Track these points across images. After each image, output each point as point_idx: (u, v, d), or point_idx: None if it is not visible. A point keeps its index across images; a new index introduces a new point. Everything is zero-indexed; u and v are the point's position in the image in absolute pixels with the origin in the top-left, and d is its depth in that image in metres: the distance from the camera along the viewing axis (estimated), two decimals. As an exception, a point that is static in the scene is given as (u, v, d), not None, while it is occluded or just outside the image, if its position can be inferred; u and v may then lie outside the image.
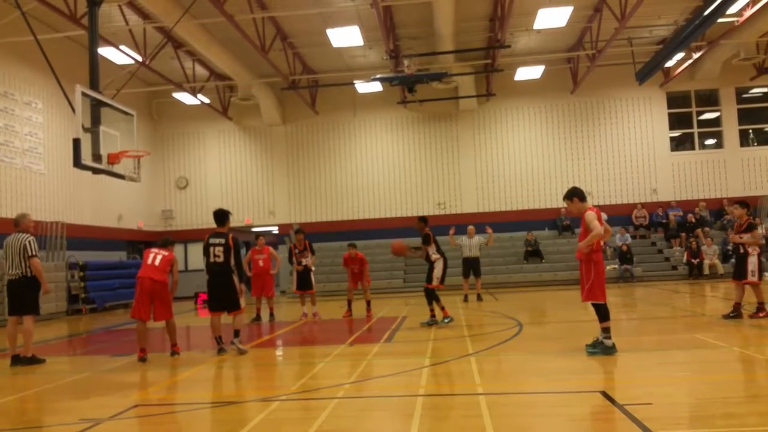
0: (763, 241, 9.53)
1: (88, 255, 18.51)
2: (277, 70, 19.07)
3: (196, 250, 22.55)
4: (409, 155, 23.48)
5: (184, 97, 21.88)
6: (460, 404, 5.20)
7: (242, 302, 8.33)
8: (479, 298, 15.10)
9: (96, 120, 9.26)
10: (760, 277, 9.48)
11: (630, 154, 22.73)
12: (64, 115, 17.46)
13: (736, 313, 9.41)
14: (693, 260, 19.40)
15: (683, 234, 20.85)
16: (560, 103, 22.99)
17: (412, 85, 17.66)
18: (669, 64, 20.33)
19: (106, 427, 4.92)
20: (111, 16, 15.81)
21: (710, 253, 19.46)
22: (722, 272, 18.97)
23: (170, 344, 8.46)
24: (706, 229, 20.63)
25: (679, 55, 19.58)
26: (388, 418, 4.98)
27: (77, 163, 8.82)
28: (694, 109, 23.03)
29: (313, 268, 12.86)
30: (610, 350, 6.84)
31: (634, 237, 21.49)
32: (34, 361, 8.16)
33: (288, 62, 19.54)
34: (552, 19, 17.04)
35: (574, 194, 7.18)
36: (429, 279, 10.40)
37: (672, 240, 21.22)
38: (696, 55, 20.30)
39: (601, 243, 7.14)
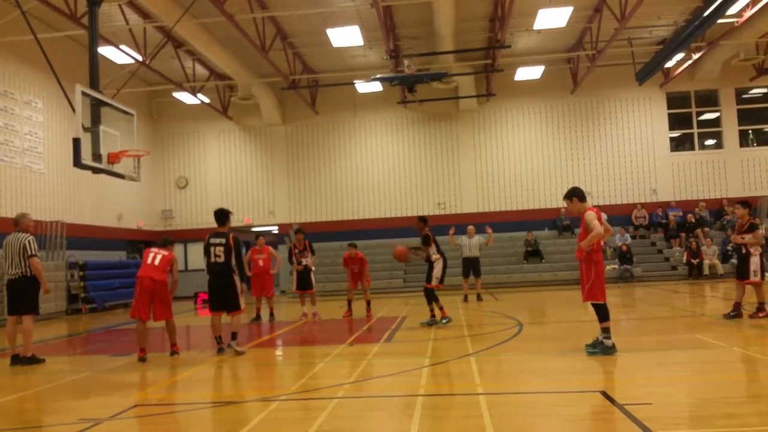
0: (764, 241, 9.51)
1: (88, 255, 18.51)
2: (277, 69, 19.07)
3: (195, 250, 22.56)
4: (409, 155, 23.48)
5: (184, 97, 21.88)
6: (460, 404, 5.20)
7: (242, 303, 8.32)
8: (479, 298, 15.10)
9: (96, 119, 9.26)
10: (763, 277, 9.47)
11: (630, 154, 22.74)
12: (64, 114, 17.46)
13: (736, 313, 9.41)
14: (693, 260, 19.40)
15: (683, 234, 20.86)
16: (560, 104, 23.00)
17: (412, 85, 17.66)
18: (669, 64, 20.34)
19: (105, 427, 4.92)
20: (111, 15, 15.81)
21: (710, 254, 19.46)
22: (722, 272, 18.98)
23: (170, 344, 8.45)
24: (706, 229, 20.63)
25: (679, 56, 19.58)
26: (388, 418, 4.98)
27: (77, 162, 8.82)
28: (693, 110, 23.04)
29: (313, 268, 12.85)
30: (609, 350, 6.84)
31: (633, 237, 21.49)
32: (33, 360, 8.15)
33: (288, 62, 19.54)
34: (552, 19, 17.05)
35: (574, 194, 7.18)
36: (428, 279, 10.39)
37: (672, 240, 21.23)
38: (696, 56, 20.30)
39: (601, 243, 7.14)
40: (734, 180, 22.38)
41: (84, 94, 9.04)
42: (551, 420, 4.60)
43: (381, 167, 23.52)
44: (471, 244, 15.17)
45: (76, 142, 8.75)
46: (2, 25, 14.70)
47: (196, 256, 22.56)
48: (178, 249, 18.39)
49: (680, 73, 21.19)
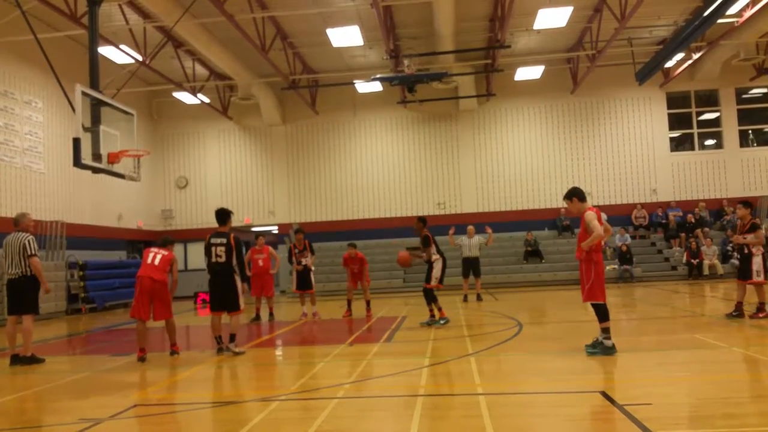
0: (765, 241, 9.50)
1: (88, 254, 18.50)
2: (277, 69, 19.07)
3: (195, 250, 22.56)
4: (409, 155, 23.48)
5: (184, 97, 21.89)
6: (459, 404, 5.20)
7: (242, 303, 8.32)
8: (479, 298, 15.10)
9: (96, 119, 9.26)
10: (766, 277, 9.46)
11: (630, 154, 22.74)
12: (64, 114, 17.46)
13: (738, 312, 9.42)
14: (692, 260, 19.40)
15: (683, 234, 20.86)
16: (560, 104, 23.00)
17: (412, 85, 17.66)
18: (669, 64, 20.34)
19: (105, 426, 4.92)
20: (111, 15, 15.81)
21: (710, 254, 19.46)
22: (722, 272, 18.99)
23: (170, 344, 8.45)
24: (706, 229, 20.63)
25: (679, 56, 19.58)
26: (388, 418, 4.98)
27: (77, 162, 8.81)
28: (693, 110, 23.04)
29: (312, 268, 12.85)
30: (609, 350, 6.84)
31: (633, 237, 21.49)
32: (33, 360, 8.15)
33: (288, 62, 19.54)
34: (552, 19, 17.05)
35: (574, 194, 7.18)
36: (428, 279, 10.39)
37: (672, 240, 21.23)
38: (696, 56, 20.30)
39: (601, 243, 7.14)
40: (734, 180, 22.38)
41: (84, 93, 9.04)
42: (551, 420, 4.60)
43: (381, 167, 23.52)
44: (471, 244, 15.17)
45: (76, 142, 8.75)
46: (2, 25, 14.70)
47: (196, 256, 22.57)
48: (178, 249, 18.36)
49: (680, 73, 21.19)
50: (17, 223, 8.44)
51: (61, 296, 16.78)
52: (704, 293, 15.18)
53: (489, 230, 14.64)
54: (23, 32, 11.93)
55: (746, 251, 9.54)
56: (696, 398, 5.06)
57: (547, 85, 22.43)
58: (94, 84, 9.61)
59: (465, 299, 14.96)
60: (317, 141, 23.84)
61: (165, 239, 8.86)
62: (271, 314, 12.90)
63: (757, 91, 22.91)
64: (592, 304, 7.03)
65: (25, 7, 10.88)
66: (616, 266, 19.77)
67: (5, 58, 15.94)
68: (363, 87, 22.08)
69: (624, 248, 19.77)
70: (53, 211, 17.51)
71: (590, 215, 6.95)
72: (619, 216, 21.75)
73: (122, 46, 16.79)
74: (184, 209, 24.17)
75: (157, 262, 8.27)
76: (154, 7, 14.47)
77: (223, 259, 8.17)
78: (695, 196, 22.33)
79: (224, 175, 24.13)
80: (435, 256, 10.34)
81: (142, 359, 7.95)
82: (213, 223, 8.51)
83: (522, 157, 23.05)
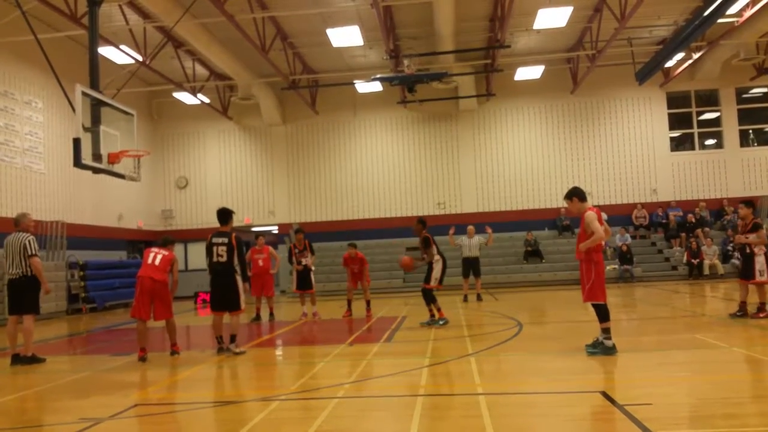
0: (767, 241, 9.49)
1: (88, 254, 18.51)
2: (278, 69, 19.08)
3: (196, 250, 22.58)
4: (409, 155, 23.49)
5: (184, 97, 21.89)
6: (459, 404, 5.20)
7: (243, 303, 8.32)
8: (479, 298, 15.10)
9: (96, 119, 9.26)
10: None
11: (630, 154, 22.74)
12: (64, 114, 17.47)
13: (742, 312, 9.43)
14: (693, 260, 19.40)
15: (683, 234, 20.86)
16: (560, 103, 23.00)
17: (412, 85, 17.66)
18: (669, 64, 20.34)
19: (106, 426, 4.92)
20: (111, 15, 15.81)
21: (710, 254, 19.46)
22: (722, 272, 18.99)
23: (170, 344, 8.46)
24: (706, 229, 20.63)
25: (679, 56, 19.58)
26: (388, 418, 4.98)
27: (77, 162, 8.82)
28: (694, 110, 23.04)
29: (312, 268, 12.85)
30: (610, 351, 6.84)
31: (634, 237, 21.48)
32: (34, 360, 8.16)
33: (288, 62, 19.55)
34: (552, 19, 17.06)
35: (574, 194, 7.18)
36: (427, 279, 10.38)
37: (672, 240, 21.22)
38: (696, 56, 20.30)
39: (602, 243, 7.13)
40: (734, 180, 22.38)
41: (84, 94, 9.05)
42: (551, 420, 4.60)
43: (381, 167, 23.52)
44: (471, 244, 15.17)
45: (77, 142, 8.75)
46: (2, 26, 14.71)
47: (196, 256, 22.58)
48: (178, 249, 18.35)
49: (680, 72, 21.19)
50: (18, 223, 8.45)
51: (62, 296, 16.78)
52: (705, 293, 15.18)
53: (489, 230, 14.64)
54: (23, 32, 11.93)
55: (748, 251, 9.52)
56: (696, 398, 5.06)
57: (547, 85, 22.43)
58: (94, 84, 9.62)
59: (465, 299, 14.96)
60: (317, 141, 23.84)
61: (165, 239, 8.86)
62: (271, 314, 12.90)
63: (757, 91, 22.90)
64: (593, 305, 7.02)
65: (26, 8, 10.89)
66: (616, 266, 19.77)
67: (5, 59, 15.94)
68: (363, 87, 22.09)
69: (624, 248, 19.77)
70: (53, 211, 17.51)
71: (590, 216, 6.94)
72: (619, 216, 21.75)
73: (122, 47, 16.79)
74: (184, 209, 24.18)
75: (157, 262, 8.28)
76: (154, 8, 14.47)
77: (224, 259, 8.18)
78: (695, 196, 22.33)
79: (224, 175, 24.14)
80: (436, 257, 10.34)
81: (142, 359, 7.95)
82: (213, 223, 8.51)
83: (522, 157, 23.05)
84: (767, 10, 16.55)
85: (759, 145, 22.95)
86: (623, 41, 19.06)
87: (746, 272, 9.59)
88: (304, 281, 12.69)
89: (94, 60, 9.88)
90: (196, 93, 21.27)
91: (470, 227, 15.63)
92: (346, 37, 17.74)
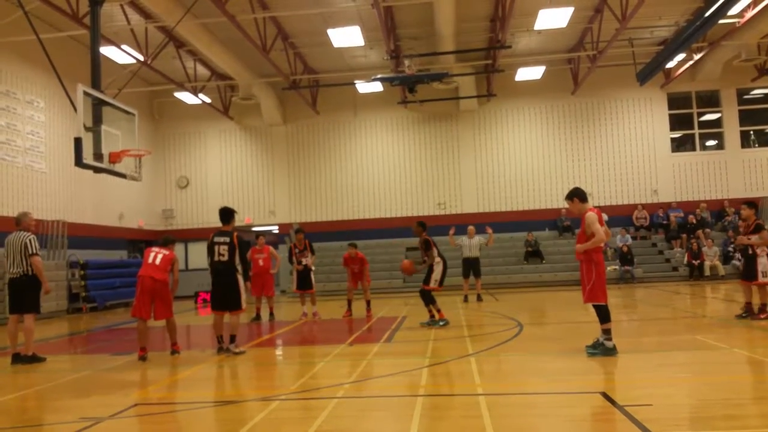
0: None
1: (89, 254, 18.52)
2: (278, 69, 19.09)
3: (196, 250, 22.59)
4: (410, 155, 23.49)
5: (186, 97, 21.91)
6: (459, 404, 5.20)
7: (244, 302, 8.33)
8: (479, 298, 15.10)
9: (97, 119, 9.27)
10: None
11: (631, 155, 22.73)
12: (65, 114, 17.48)
13: (748, 313, 9.44)
14: (694, 261, 19.40)
15: (684, 235, 20.85)
16: (561, 104, 22.99)
17: (413, 86, 17.67)
18: (670, 65, 20.33)
19: (106, 425, 4.93)
20: (113, 15, 15.83)
21: (711, 255, 19.45)
22: (723, 273, 18.98)
23: (170, 343, 8.46)
24: (707, 230, 20.62)
25: (680, 56, 19.58)
26: (388, 418, 4.98)
27: (79, 162, 8.83)
28: (695, 110, 23.03)
29: (313, 268, 12.86)
30: (610, 352, 6.83)
31: (634, 238, 21.47)
32: (34, 359, 8.17)
33: (289, 62, 19.56)
34: (553, 19, 17.06)
35: (575, 195, 7.18)
36: (426, 281, 10.37)
37: (673, 241, 21.21)
38: (697, 56, 20.30)
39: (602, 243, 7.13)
40: (735, 181, 22.36)
41: (86, 93, 9.06)
42: (551, 420, 4.60)
43: (381, 167, 23.52)
44: (471, 244, 15.17)
45: (78, 142, 8.76)
46: (4, 25, 14.73)
47: (196, 255, 22.60)
48: (178, 248, 18.44)
49: (681, 73, 21.18)
50: (19, 222, 8.46)
51: (62, 295, 16.79)
52: (705, 294, 15.17)
53: (489, 230, 14.64)
54: (25, 32, 11.94)
55: (750, 252, 9.52)
56: (697, 399, 5.06)
57: (547, 85, 22.43)
58: (95, 84, 9.63)
59: (465, 299, 14.96)
60: (318, 141, 23.85)
61: (166, 239, 8.87)
62: (271, 314, 12.91)
63: (758, 92, 22.88)
64: (594, 305, 7.02)
65: (28, 8, 10.90)
66: (617, 267, 19.76)
67: (7, 58, 15.96)
68: (364, 87, 22.09)
69: (625, 249, 19.77)
70: (55, 210, 17.53)
71: (591, 217, 6.93)
72: (620, 216, 21.75)
73: (124, 46, 16.80)
74: (185, 209, 24.19)
75: (158, 261, 8.28)
76: (156, 8, 14.48)
77: (225, 258, 8.19)
78: (696, 197, 22.32)
79: (225, 174, 24.15)
80: (437, 260, 10.33)
81: (142, 358, 7.96)
82: (213, 222, 8.55)
83: (523, 158, 23.05)
84: (768, 11, 16.55)
85: (760, 146, 22.92)
86: (624, 42, 19.06)
87: (748, 273, 9.58)
88: (304, 281, 12.70)
89: (96, 60, 9.89)
90: (197, 93, 21.28)
91: (470, 227, 15.63)
92: (346, 37, 17.75)
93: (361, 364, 7.20)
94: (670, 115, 22.94)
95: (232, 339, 8.22)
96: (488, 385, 5.74)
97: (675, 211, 21.85)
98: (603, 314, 6.93)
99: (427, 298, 10.34)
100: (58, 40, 16.24)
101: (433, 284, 10.30)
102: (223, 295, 8.24)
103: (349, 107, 23.58)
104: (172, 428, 5.06)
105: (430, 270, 10.35)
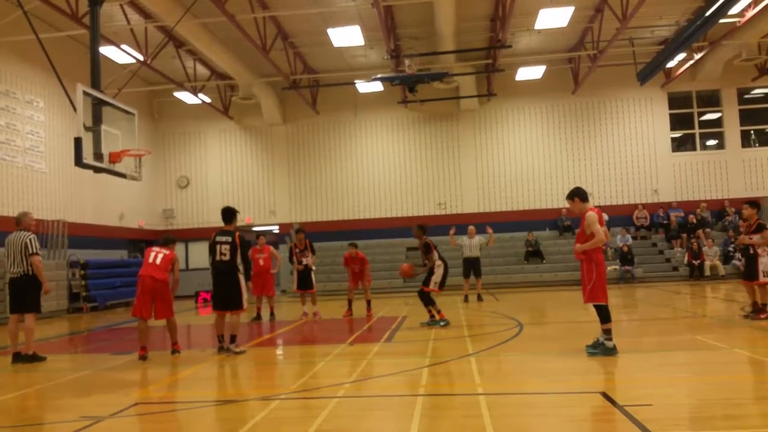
0: None
1: (90, 253, 18.52)
2: (278, 69, 19.08)
3: (197, 249, 22.60)
4: (410, 155, 23.49)
5: (185, 97, 21.90)
6: (460, 404, 5.20)
7: (245, 302, 8.33)
8: (479, 298, 15.10)
9: (97, 119, 9.28)
10: None
11: (631, 154, 22.72)
12: (65, 113, 17.48)
13: (754, 310, 9.42)
14: (694, 261, 19.39)
15: (684, 235, 20.84)
16: (561, 104, 22.98)
17: (413, 85, 17.66)
18: (670, 64, 20.32)
19: (106, 424, 4.93)
20: (112, 15, 15.83)
21: (711, 254, 19.45)
22: (723, 273, 18.97)
23: (171, 343, 8.47)
24: (707, 230, 20.61)
25: (681, 56, 19.57)
26: (388, 418, 4.98)
27: (78, 161, 8.83)
28: (695, 110, 23.02)
29: (313, 268, 12.86)
30: (610, 351, 6.83)
31: (635, 238, 21.46)
32: (35, 358, 8.17)
33: (289, 62, 19.55)
34: (553, 19, 17.05)
35: (576, 194, 7.18)
36: (426, 282, 10.35)
37: (673, 241, 21.20)
38: (697, 56, 20.28)
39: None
40: (736, 181, 22.35)
41: (85, 93, 9.06)
42: (551, 420, 4.60)
43: (382, 167, 23.52)
44: (471, 244, 15.17)
45: (78, 142, 8.77)
46: (4, 25, 14.73)
47: (197, 255, 22.61)
48: (179, 248, 18.44)
49: (682, 73, 21.17)
50: (19, 222, 8.46)
51: (63, 295, 16.79)
52: (705, 294, 15.17)
53: (490, 230, 14.64)
54: (25, 32, 11.94)
55: (752, 251, 9.51)
56: (697, 399, 5.06)
57: (548, 85, 22.42)
58: (95, 84, 9.63)
59: (466, 299, 14.96)
60: (318, 141, 23.85)
61: (166, 238, 8.88)
62: (271, 314, 12.91)
63: (759, 92, 22.87)
64: (594, 305, 7.01)
65: (27, 7, 10.90)
66: (617, 267, 19.76)
67: (7, 58, 15.96)
68: (364, 87, 22.09)
69: (625, 249, 19.76)
70: (55, 210, 17.53)
71: (592, 217, 6.93)
72: (620, 216, 21.75)
73: (123, 46, 16.80)
74: (185, 209, 24.18)
75: (158, 261, 8.29)
76: (156, 7, 14.48)
77: (227, 257, 8.19)
78: (697, 197, 22.31)
79: (225, 174, 24.14)
80: (438, 262, 10.32)
81: (143, 358, 7.96)
82: (214, 222, 8.57)
83: (523, 158, 23.05)
84: (769, 10, 16.54)
85: (760, 145, 22.90)
86: (625, 41, 19.05)
87: (750, 273, 9.58)
88: (304, 281, 12.70)
89: (96, 59, 9.90)
90: (197, 92, 21.28)
91: (471, 227, 15.63)
92: (346, 36, 17.74)
93: (361, 364, 7.20)
94: (671, 115, 22.93)
95: (233, 339, 8.22)
96: (488, 385, 5.74)
97: (675, 211, 21.84)
98: (603, 314, 6.93)
99: (426, 300, 10.34)
100: (58, 39, 16.24)
101: (432, 286, 10.29)
102: (224, 294, 8.24)
103: (349, 107, 23.57)
104: (173, 427, 5.06)
105: (431, 272, 10.33)
